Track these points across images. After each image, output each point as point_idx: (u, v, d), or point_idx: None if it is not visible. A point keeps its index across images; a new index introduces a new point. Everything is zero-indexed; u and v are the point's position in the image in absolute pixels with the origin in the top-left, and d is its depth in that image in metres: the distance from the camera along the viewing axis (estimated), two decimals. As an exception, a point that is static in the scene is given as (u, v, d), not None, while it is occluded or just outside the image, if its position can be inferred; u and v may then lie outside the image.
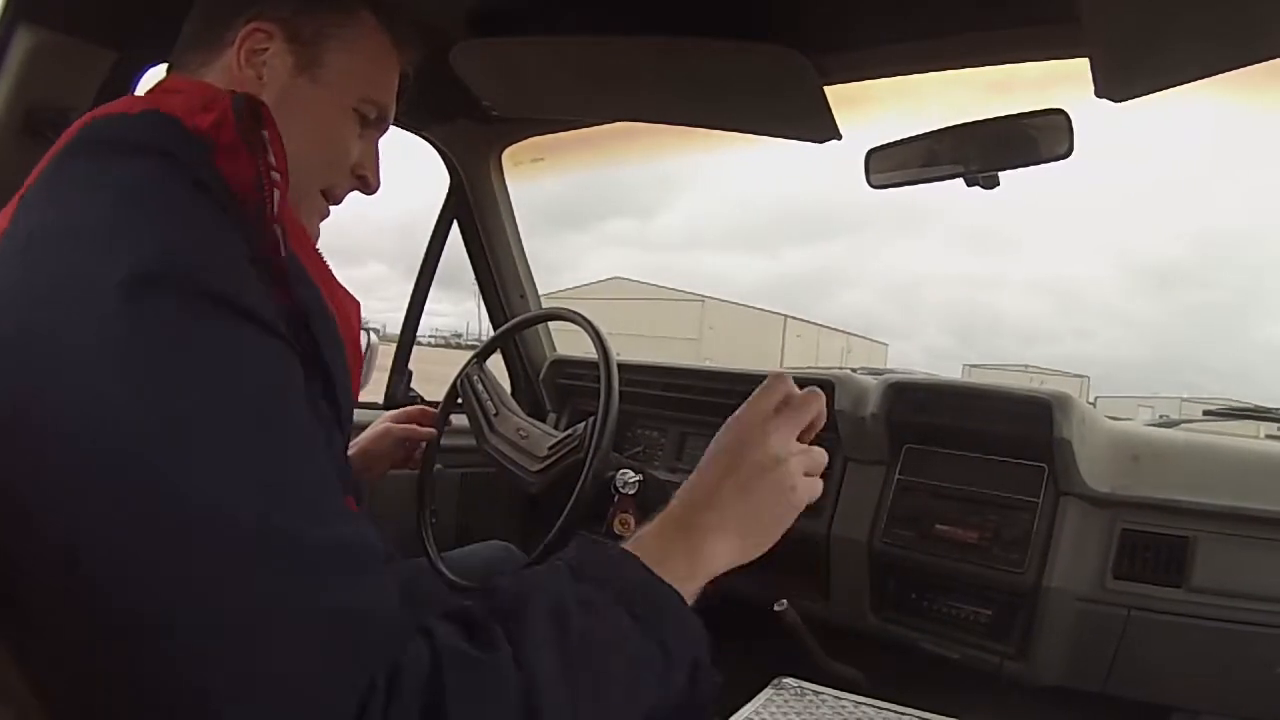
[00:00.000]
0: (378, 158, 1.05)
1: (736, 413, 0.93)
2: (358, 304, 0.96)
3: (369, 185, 1.04)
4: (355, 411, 2.01)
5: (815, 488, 0.89)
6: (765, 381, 0.95)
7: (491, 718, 0.62)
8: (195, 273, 0.64)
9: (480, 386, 1.73)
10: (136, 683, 0.58)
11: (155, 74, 1.42)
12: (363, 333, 1.91)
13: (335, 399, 0.83)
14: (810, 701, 1.23)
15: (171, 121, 0.79)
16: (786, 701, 1.23)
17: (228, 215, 0.74)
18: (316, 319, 0.80)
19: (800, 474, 0.87)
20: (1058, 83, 1.43)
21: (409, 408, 1.70)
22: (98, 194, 0.69)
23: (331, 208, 1.04)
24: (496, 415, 1.71)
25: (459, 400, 1.77)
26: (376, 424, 1.64)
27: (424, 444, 1.68)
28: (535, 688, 0.63)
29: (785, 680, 1.28)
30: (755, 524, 0.84)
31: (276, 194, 0.79)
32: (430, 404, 2.02)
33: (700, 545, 0.81)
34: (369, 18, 0.97)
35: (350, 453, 1.37)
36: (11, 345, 0.62)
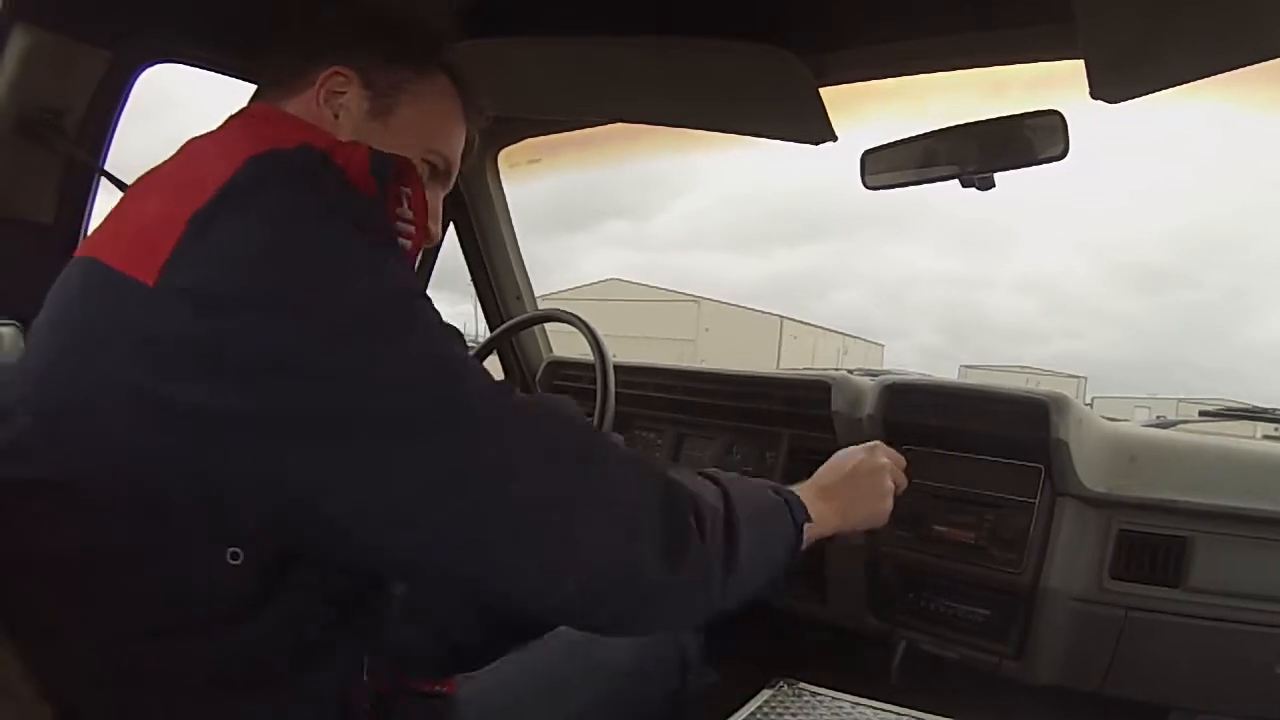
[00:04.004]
0: (440, 210, 1.08)
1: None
2: None
3: (431, 236, 1.05)
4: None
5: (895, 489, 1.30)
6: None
7: (710, 521, 0.91)
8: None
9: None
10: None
11: (150, 75, 1.43)
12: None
13: None
14: (807, 702, 1.23)
15: (327, 158, 0.85)
16: (784, 702, 1.23)
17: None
18: None
19: (891, 483, 1.27)
20: (1052, 84, 1.44)
21: None
22: (325, 219, 0.77)
23: None
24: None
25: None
26: None
27: None
28: (732, 506, 0.95)
29: (783, 681, 1.29)
30: (857, 506, 1.22)
31: (408, 243, 0.93)
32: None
33: (818, 504, 1.14)
34: (444, 81, 1.04)
35: None
36: (301, 355, 0.70)
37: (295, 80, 0.96)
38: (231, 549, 0.74)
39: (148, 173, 0.85)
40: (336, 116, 0.95)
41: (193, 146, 0.86)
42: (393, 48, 1.00)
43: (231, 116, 0.94)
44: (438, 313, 0.80)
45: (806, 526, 1.09)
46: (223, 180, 0.74)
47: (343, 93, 0.95)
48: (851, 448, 1.30)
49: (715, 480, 1.00)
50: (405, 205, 0.93)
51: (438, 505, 0.73)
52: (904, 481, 1.32)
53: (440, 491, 0.72)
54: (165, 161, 0.85)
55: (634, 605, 0.87)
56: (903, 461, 1.34)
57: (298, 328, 0.70)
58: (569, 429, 0.86)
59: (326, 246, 0.74)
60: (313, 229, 0.75)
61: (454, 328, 0.84)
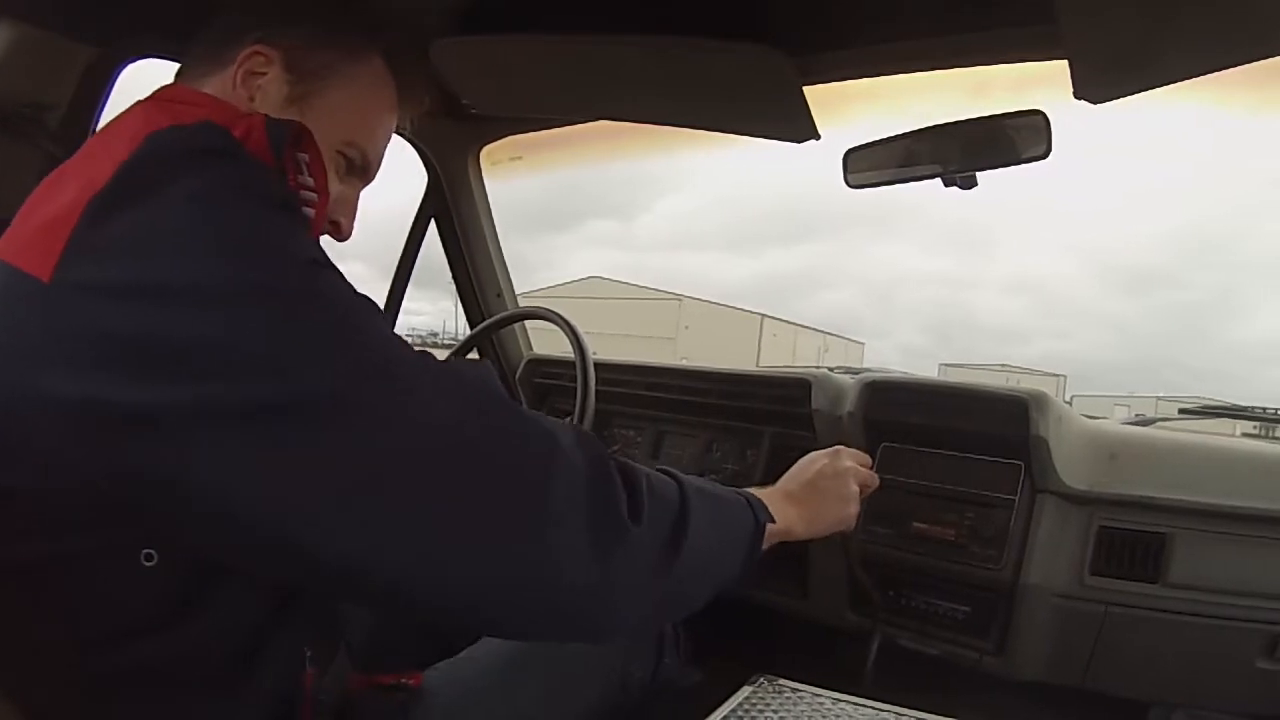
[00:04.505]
0: (355, 206, 1.04)
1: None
2: None
3: (340, 231, 1.02)
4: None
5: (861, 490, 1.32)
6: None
7: (661, 509, 0.87)
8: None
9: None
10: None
11: (134, 70, 1.41)
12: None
13: None
14: (788, 698, 1.23)
15: (228, 133, 0.81)
16: (765, 699, 1.23)
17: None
18: None
19: (855, 486, 1.29)
20: (1035, 84, 1.44)
21: None
22: (226, 198, 0.73)
23: None
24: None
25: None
26: None
27: None
28: (681, 484, 0.93)
29: (764, 678, 1.29)
30: (822, 511, 1.24)
31: (311, 211, 0.87)
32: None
33: (782, 507, 1.14)
34: (378, 66, 0.99)
35: None
36: (220, 344, 0.66)
37: (215, 59, 0.92)
38: (145, 550, 0.71)
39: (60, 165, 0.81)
40: (252, 99, 0.90)
41: (99, 131, 0.84)
42: (323, 28, 0.95)
43: (140, 99, 0.89)
44: (349, 286, 0.76)
45: (769, 527, 1.08)
46: (119, 161, 0.72)
47: (263, 73, 0.91)
48: (816, 452, 1.32)
49: (671, 473, 0.96)
50: (305, 173, 0.87)
51: (326, 494, 0.67)
52: (873, 482, 1.34)
53: (328, 480, 0.67)
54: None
55: (550, 609, 0.80)
56: (868, 461, 1.37)
57: (198, 315, 0.66)
58: (479, 403, 0.78)
59: (227, 228, 0.70)
60: (212, 210, 0.71)
61: (368, 300, 0.78)
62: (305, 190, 0.87)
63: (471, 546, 0.72)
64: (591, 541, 0.78)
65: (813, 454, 1.31)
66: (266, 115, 0.83)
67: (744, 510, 1.06)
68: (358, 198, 1.04)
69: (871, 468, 1.36)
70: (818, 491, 1.25)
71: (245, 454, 0.65)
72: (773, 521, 1.09)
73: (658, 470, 0.95)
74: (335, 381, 0.68)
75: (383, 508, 0.69)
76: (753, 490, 1.14)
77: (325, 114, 0.93)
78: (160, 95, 0.89)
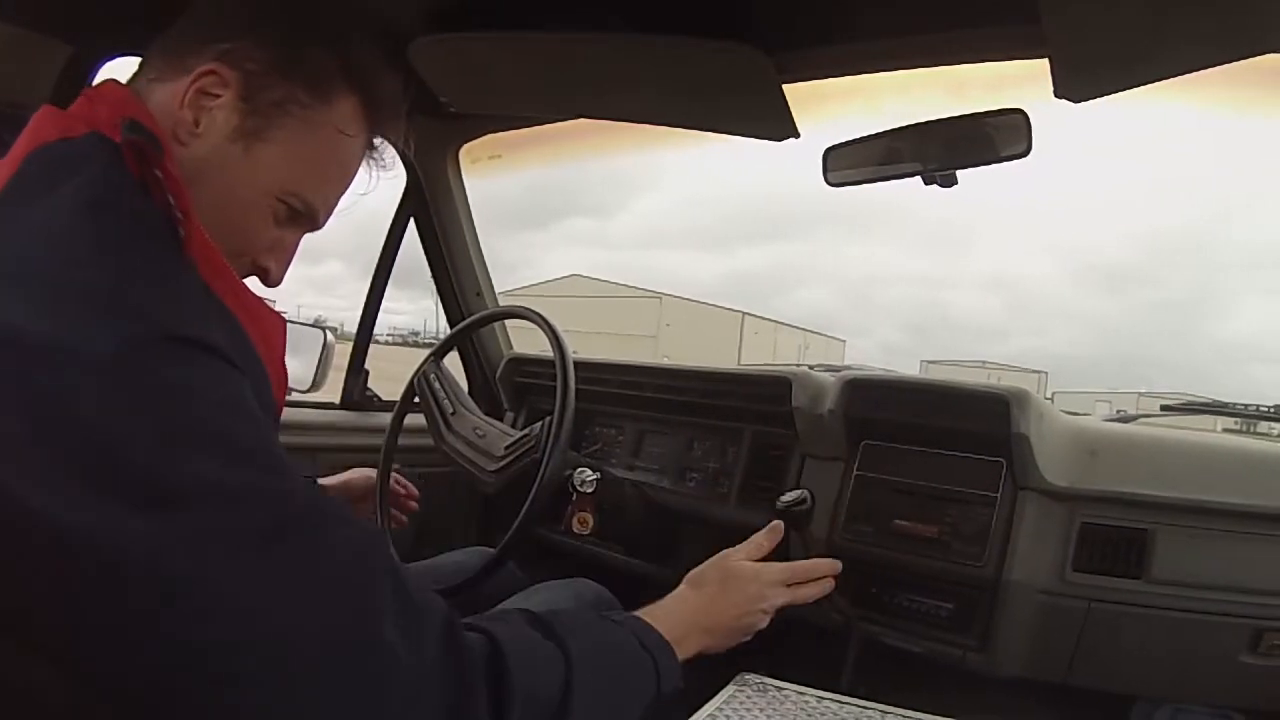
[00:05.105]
0: (290, 255, 0.96)
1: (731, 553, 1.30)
2: (282, 323, 0.89)
3: (269, 277, 0.95)
4: (311, 412, 1.99)
5: (786, 595, 1.30)
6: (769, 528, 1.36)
7: (541, 687, 0.78)
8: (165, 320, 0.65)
9: (437, 385, 1.72)
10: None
11: (111, 67, 1.40)
12: (319, 331, 1.90)
13: None
14: (773, 697, 1.23)
15: (113, 146, 0.75)
16: (750, 697, 1.23)
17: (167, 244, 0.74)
18: (237, 354, 0.76)
19: (766, 592, 1.26)
20: (1015, 83, 1.44)
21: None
22: (85, 236, 0.67)
23: None
24: (454, 414, 1.70)
25: (416, 399, 1.75)
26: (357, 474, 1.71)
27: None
28: (571, 665, 0.82)
29: (748, 676, 1.29)
30: (729, 631, 1.21)
31: (180, 230, 0.75)
32: (387, 403, 2.00)
33: (682, 637, 1.08)
34: (349, 108, 0.91)
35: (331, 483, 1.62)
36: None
37: (175, 65, 0.85)
38: None
39: None
40: (197, 123, 0.83)
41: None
42: (289, 55, 0.86)
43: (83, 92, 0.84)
44: (202, 364, 0.66)
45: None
46: (5, 178, 0.70)
47: (216, 95, 0.83)
48: (729, 552, 1.30)
49: (565, 648, 0.84)
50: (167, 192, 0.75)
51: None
52: (799, 597, 1.33)
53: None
54: None
55: None
56: (765, 547, 1.34)
57: (19, 380, 0.59)
58: (327, 596, 0.65)
59: (73, 277, 0.63)
60: (66, 251, 0.65)
61: (223, 369, 0.68)
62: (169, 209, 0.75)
63: None
64: None
65: (727, 553, 1.30)
66: (132, 120, 0.76)
67: (648, 678, 0.97)
68: (297, 244, 0.96)
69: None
70: (727, 605, 1.22)
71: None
72: (679, 685, 1.02)
73: (543, 626, 0.87)
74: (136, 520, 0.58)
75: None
76: (665, 616, 1.09)
77: (274, 158, 0.86)
78: (99, 92, 0.85)
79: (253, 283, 0.91)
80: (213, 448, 0.63)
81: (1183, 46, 1.21)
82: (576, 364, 1.63)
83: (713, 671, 1.28)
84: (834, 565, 1.39)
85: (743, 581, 1.25)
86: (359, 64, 0.91)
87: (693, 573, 1.26)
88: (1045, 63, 1.29)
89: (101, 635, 0.58)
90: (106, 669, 0.59)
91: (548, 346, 1.66)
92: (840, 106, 1.66)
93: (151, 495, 0.59)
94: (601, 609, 1.38)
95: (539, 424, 1.58)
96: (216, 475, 0.62)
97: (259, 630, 0.60)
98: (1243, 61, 1.22)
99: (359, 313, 2.34)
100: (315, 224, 0.95)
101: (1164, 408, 2.15)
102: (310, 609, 0.63)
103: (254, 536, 0.62)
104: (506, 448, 1.59)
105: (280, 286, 0.96)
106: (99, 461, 0.58)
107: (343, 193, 0.96)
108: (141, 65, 0.88)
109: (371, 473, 1.67)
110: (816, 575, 1.36)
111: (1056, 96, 1.34)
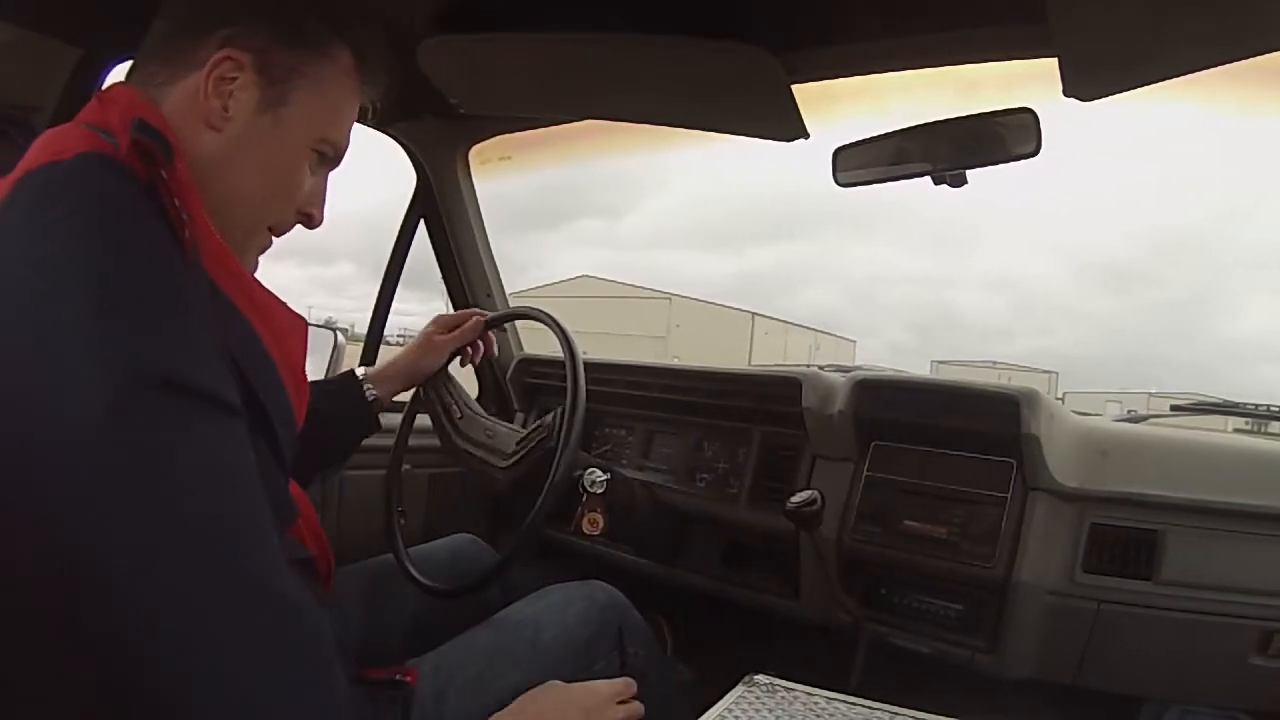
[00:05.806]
0: (325, 195, 1.02)
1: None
2: (303, 325, 0.96)
3: (313, 221, 1.01)
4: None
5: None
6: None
7: None
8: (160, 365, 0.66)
9: (444, 390, 1.71)
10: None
11: (121, 71, 1.40)
12: (330, 332, 1.90)
13: (274, 436, 0.84)
14: (782, 698, 1.23)
15: (105, 163, 0.76)
16: (759, 698, 1.23)
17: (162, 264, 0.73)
18: (248, 359, 0.81)
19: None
20: (1024, 82, 1.44)
21: (455, 314, 1.69)
22: (71, 275, 0.67)
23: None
24: (461, 419, 1.69)
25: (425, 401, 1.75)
26: (420, 336, 1.67)
27: (478, 349, 1.70)
28: None
29: (757, 677, 1.29)
30: None
31: (187, 234, 0.76)
32: (397, 403, 2.00)
33: None
34: (346, 60, 0.96)
35: (389, 369, 1.61)
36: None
37: (182, 60, 0.87)
38: None
39: None
40: (226, 109, 0.87)
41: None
42: (292, 26, 0.91)
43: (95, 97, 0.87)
44: (192, 403, 0.67)
45: None
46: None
47: (234, 78, 0.87)
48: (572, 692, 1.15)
49: None
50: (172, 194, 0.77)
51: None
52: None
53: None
54: None
55: None
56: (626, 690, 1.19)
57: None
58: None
59: (55, 319, 0.64)
60: (49, 281, 0.65)
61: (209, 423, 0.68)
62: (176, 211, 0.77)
63: None
64: None
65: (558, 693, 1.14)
66: (141, 122, 0.78)
67: None
68: (326, 184, 1.03)
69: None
70: None
71: None
72: None
73: None
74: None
75: None
76: None
77: (299, 116, 0.92)
78: (110, 95, 0.87)
79: (267, 279, 0.94)
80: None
81: (1191, 44, 1.21)
82: (587, 365, 1.63)
83: (723, 672, 1.28)
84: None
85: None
86: (344, 19, 0.97)
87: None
88: (1052, 62, 1.29)
89: None
90: None
91: (558, 347, 1.66)
92: (848, 107, 1.66)
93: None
94: (614, 613, 1.37)
95: (550, 415, 1.57)
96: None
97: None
98: (1246, 61, 1.21)
99: (369, 314, 2.35)
100: (338, 161, 1.02)
101: (1174, 408, 2.14)
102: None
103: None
104: (518, 443, 1.59)
105: (291, 287, 0.99)
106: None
107: (351, 126, 1.01)
108: (136, 73, 0.91)
109: (433, 339, 1.64)
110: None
111: (1066, 95, 1.33)
